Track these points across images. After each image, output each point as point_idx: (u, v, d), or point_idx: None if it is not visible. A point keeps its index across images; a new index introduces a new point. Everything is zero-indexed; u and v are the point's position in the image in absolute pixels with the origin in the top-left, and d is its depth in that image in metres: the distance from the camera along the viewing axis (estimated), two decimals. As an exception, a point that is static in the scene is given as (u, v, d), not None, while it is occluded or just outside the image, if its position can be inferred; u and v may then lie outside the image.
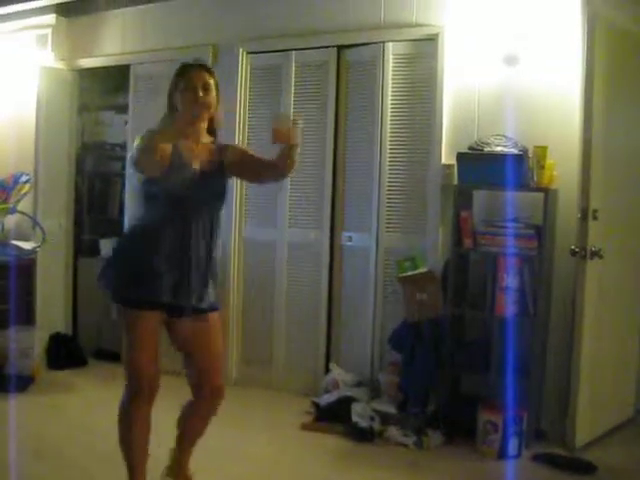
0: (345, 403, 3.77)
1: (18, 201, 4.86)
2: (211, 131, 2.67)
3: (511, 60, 3.71)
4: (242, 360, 4.58)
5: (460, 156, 3.67)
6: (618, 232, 3.62)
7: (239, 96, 4.50)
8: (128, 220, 4.53)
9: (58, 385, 4.45)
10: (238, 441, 3.52)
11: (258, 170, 2.72)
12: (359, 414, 3.67)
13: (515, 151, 3.53)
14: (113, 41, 5.04)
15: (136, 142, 2.47)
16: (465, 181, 3.68)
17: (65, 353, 4.88)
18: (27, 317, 4.72)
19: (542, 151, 3.47)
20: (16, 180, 4.85)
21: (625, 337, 3.80)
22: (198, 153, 2.58)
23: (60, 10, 5.10)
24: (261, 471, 3.22)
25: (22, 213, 4.90)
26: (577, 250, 3.38)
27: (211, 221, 2.61)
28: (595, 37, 3.33)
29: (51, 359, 4.78)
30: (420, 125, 4.00)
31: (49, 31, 5.14)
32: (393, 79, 4.05)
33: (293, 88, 4.38)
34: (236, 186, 4.38)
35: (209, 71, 2.62)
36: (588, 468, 3.21)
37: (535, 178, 3.49)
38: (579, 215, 3.40)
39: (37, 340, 4.56)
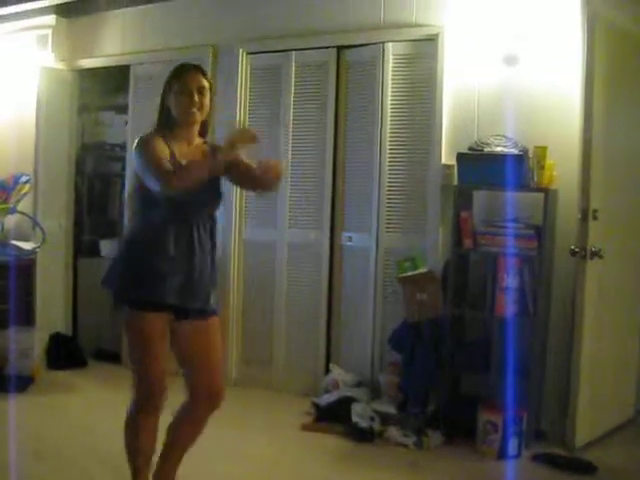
0: (345, 403, 3.77)
1: (18, 201, 4.86)
2: (201, 132, 2.66)
3: (511, 60, 3.71)
4: (242, 360, 4.58)
5: (460, 156, 3.67)
6: (618, 232, 3.62)
7: (239, 96, 4.50)
8: (128, 222, 4.52)
9: (58, 385, 4.45)
10: (238, 441, 3.52)
11: (241, 178, 2.69)
12: (359, 414, 3.67)
13: (515, 151, 3.53)
14: (113, 41, 5.04)
15: (137, 149, 2.46)
16: (465, 181, 3.68)
17: (65, 353, 4.88)
18: (27, 317, 4.72)
19: (542, 151, 3.47)
20: (16, 180, 4.85)
21: (625, 337, 3.79)
22: (193, 155, 2.58)
23: (60, 11, 5.11)
24: (261, 471, 3.21)
25: (22, 213, 4.90)
26: (577, 250, 3.38)
27: (211, 222, 2.62)
28: (595, 37, 3.33)
29: (51, 359, 4.78)
30: (420, 125, 4.00)
31: (49, 32, 5.14)
32: (393, 79, 4.05)
33: (293, 88, 4.38)
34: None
35: (204, 74, 2.61)
36: (588, 468, 3.21)
37: (535, 178, 3.49)
38: (579, 215, 3.40)
39: (37, 340, 4.55)
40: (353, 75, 4.25)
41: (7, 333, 4.40)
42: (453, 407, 3.64)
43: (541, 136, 3.57)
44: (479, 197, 3.78)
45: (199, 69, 2.62)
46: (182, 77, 2.56)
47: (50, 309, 5.05)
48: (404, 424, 3.60)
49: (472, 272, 3.76)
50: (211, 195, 2.63)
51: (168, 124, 2.57)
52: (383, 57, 4.07)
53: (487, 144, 3.62)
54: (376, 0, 4.11)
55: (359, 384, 4.04)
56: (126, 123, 5.13)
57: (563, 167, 3.55)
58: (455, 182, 3.76)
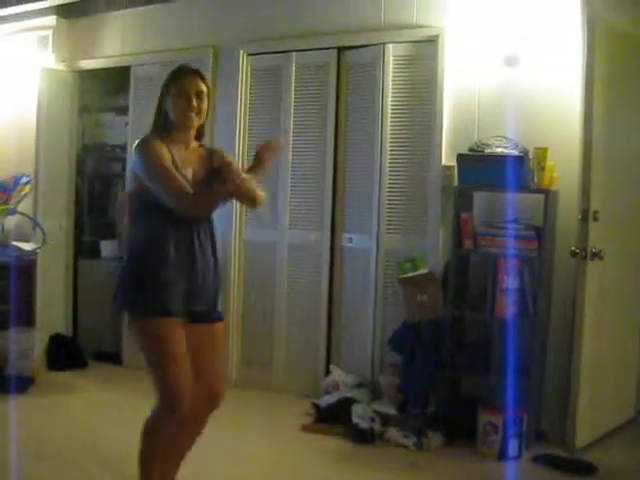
0: (345, 404, 3.77)
1: (18, 202, 4.86)
2: (197, 136, 2.66)
3: (511, 61, 3.71)
4: (242, 361, 4.57)
5: (460, 157, 3.67)
6: (618, 233, 3.62)
7: (239, 97, 4.50)
8: (129, 225, 4.51)
9: (58, 386, 4.45)
10: (238, 442, 3.52)
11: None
12: (359, 415, 3.67)
13: (515, 152, 3.53)
14: (113, 43, 5.04)
15: (139, 152, 2.46)
16: (465, 182, 3.68)
17: (65, 354, 4.87)
18: (27, 318, 4.72)
19: (542, 152, 3.47)
20: (17, 181, 4.85)
21: (625, 338, 3.79)
22: (190, 159, 2.58)
23: (61, 12, 5.11)
24: (261, 472, 3.22)
25: (22, 214, 4.90)
26: (577, 251, 3.38)
27: (209, 225, 2.62)
28: (595, 39, 3.34)
29: (51, 360, 4.78)
30: (420, 126, 4.00)
31: (50, 32, 5.14)
32: (393, 80, 4.05)
33: (293, 89, 4.38)
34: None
35: (202, 78, 2.60)
36: (588, 469, 3.20)
37: (535, 179, 3.49)
38: (579, 216, 3.40)
39: (37, 341, 4.55)
40: (353, 76, 4.26)
41: (7, 334, 4.40)
42: (453, 408, 3.64)
43: (541, 137, 3.57)
44: (479, 198, 3.78)
45: (197, 73, 2.61)
46: (180, 80, 2.55)
47: (50, 310, 5.05)
48: (404, 425, 3.60)
49: (472, 273, 3.76)
50: None
51: (165, 127, 2.57)
52: (384, 58, 4.07)
53: (487, 145, 3.62)
54: (376, 1, 4.12)
55: (359, 385, 4.04)
56: (126, 124, 5.13)
57: (563, 168, 3.55)
58: (455, 183, 3.77)
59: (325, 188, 4.30)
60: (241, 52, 4.52)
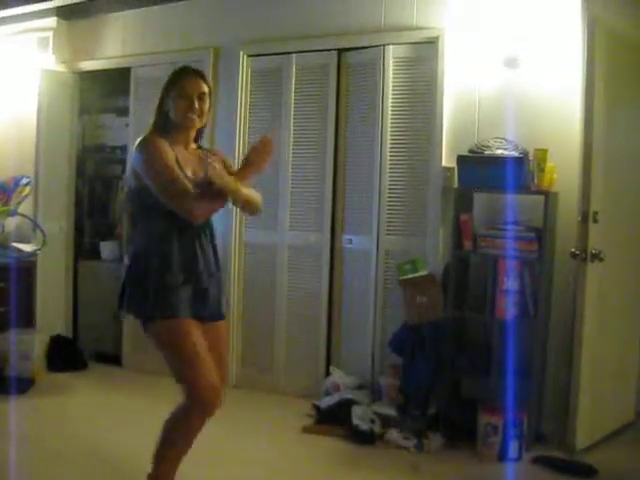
0: (346, 406, 3.77)
1: (19, 203, 4.87)
2: (195, 137, 2.67)
3: (511, 63, 3.71)
4: (243, 363, 4.57)
5: (460, 159, 3.67)
6: (618, 235, 3.62)
7: (240, 99, 4.51)
8: (129, 226, 4.52)
9: (58, 388, 4.45)
10: (239, 444, 3.52)
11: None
12: (360, 417, 3.66)
13: (515, 154, 3.53)
14: (114, 44, 5.05)
15: (142, 151, 2.45)
16: (465, 184, 3.68)
17: (65, 356, 4.87)
18: (27, 319, 4.72)
19: (542, 154, 3.47)
20: (17, 182, 4.85)
21: (626, 340, 3.79)
22: (190, 160, 2.58)
23: (61, 13, 5.10)
24: (262, 473, 3.21)
25: (22, 215, 4.90)
26: (577, 253, 3.38)
27: (209, 227, 2.63)
28: (595, 41, 3.34)
29: (51, 362, 4.77)
30: (420, 128, 4.00)
31: (50, 34, 5.15)
32: (393, 82, 4.05)
33: (294, 91, 4.38)
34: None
35: (204, 78, 2.61)
36: (589, 471, 3.20)
37: (535, 181, 3.49)
38: (579, 218, 3.40)
39: (37, 342, 4.55)
40: (354, 78, 4.26)
41: (7, 335, 4.40)
42: (453, 409, 3.64)
43: (541, 139, 3.57)
44: (479, 200, 3.78)
45: (199, 74, 2.61)
46: (182, 81, 2.56)
47: (50, 311, 5.05)
48: (404, 426, 3.60)
49: (472, 275, 3.76)
50: None
51: (166, 127, 2.57)
52: (384, 60, 4.07)
53: (487, 147, 3.62)
54: (377, 3, 4.12)
55: (360, 387, 4.03)
56: (127, 125, 5.13)
57: (563, 170, 3.55)
58: (455, 184, 3.77)
59: (325, 189, 4.30)
60: (241, 53, 4.52)
